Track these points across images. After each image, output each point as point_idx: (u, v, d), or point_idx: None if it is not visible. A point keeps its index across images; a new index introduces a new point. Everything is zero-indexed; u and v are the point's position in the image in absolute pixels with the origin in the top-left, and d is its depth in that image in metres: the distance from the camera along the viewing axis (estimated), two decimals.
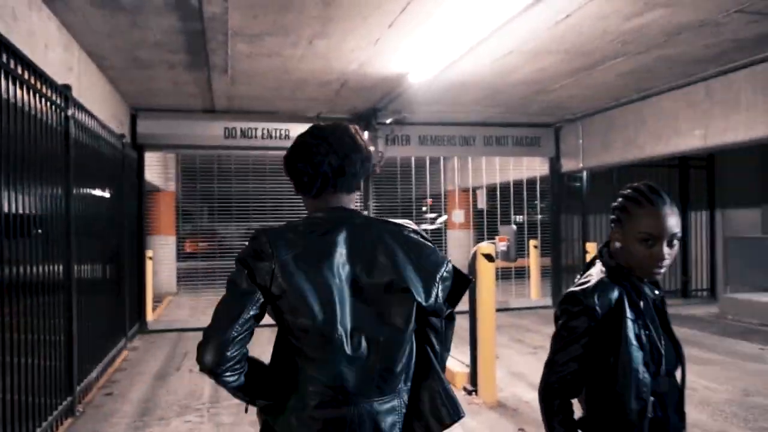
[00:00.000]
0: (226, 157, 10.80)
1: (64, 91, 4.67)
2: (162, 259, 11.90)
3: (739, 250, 9.83)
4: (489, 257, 4.84)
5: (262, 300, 1.46)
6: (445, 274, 1.59)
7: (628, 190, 1.72)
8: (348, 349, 1.47)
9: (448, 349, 1.75)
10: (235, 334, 1.42)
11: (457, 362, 5.57)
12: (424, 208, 14.23)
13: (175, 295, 12.07)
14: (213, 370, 1.41)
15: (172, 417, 4.73)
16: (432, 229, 13.55)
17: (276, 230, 1.52)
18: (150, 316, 8.71)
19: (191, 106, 8.23)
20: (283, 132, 8.73)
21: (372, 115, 8.67)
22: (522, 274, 11.35)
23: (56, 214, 4.45)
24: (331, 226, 1.54)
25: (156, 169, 10.99)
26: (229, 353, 1.40)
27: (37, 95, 3.99)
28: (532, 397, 5.03)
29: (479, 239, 12.92)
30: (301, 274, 1.46)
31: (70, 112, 4.73)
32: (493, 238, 5.74)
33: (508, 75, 6.82)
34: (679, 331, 1.99)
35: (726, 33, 5.41)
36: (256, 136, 8.62)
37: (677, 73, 6.85)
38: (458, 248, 14.03)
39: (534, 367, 6.09)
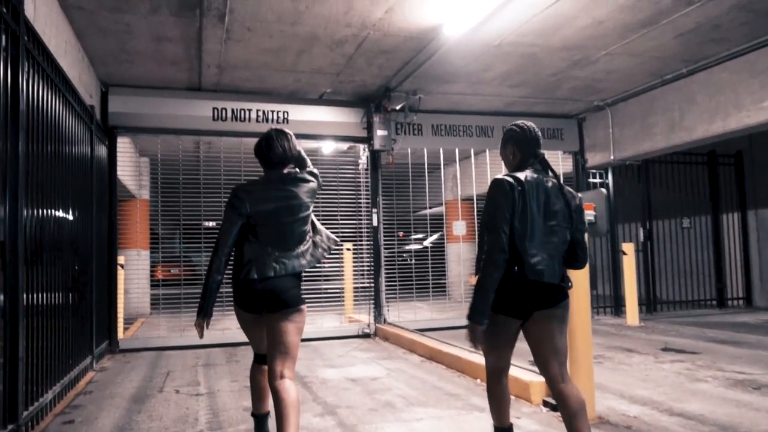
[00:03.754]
0: (213, 156, 9.50)
1: (17, 4, 3.44)
2: (134, 276, 10.44)
3: None
4: None
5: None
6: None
7: None
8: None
9: None
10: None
11: (528, 371, 4.36)
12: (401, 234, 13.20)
13: (150, 317, 10.58)
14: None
15: None
16: (424, 248, 12.42)
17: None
18: (121, 334, 7.28)
19: (174, 82, 6.99)
20: (281, 114, 7.53)
21: (383, 96, 7.56)
22: None
23: None
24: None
25: (129, 172, 9.63)
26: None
27: None
28: (638, 411, 3.83)
29: None
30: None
31: (21, 42, 3.49)
32: None
33: (553, 34, 5.79)
34: None
35: None
36: (249, 119, 7.40)
37: (746, 33, 5.93)
38: (460, 263, 12.87)
39: (608, 377, 4.90)
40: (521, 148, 2.71)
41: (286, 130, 3.18)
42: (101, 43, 5.67)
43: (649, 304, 9.58)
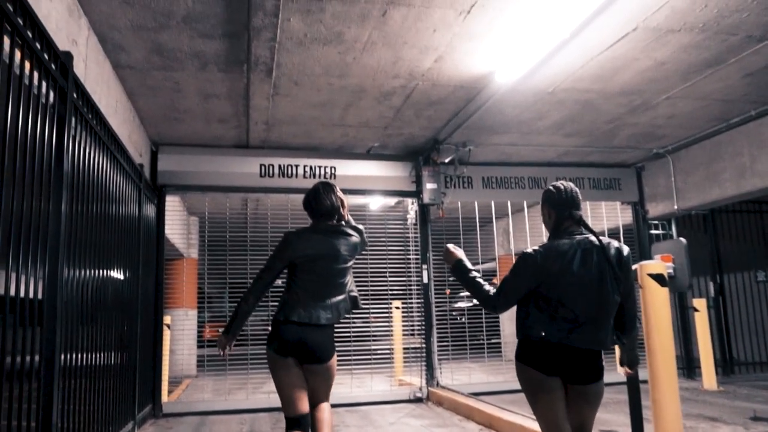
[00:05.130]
0: (260, 213, 9.46)
1: (66, 60, 3.42)
2: (181, 337, 10.33)
3: None
4: (660, 279, 3.29)
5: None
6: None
7: None
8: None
9: None
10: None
11: None
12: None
13: (195, 378, 10.38)
14: None
15: None
16: (473, 306, 11.93)
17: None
18: (165, 398, 7.06)
19: (222, 140, 7.00)
20: (328, 170, 7.42)
21: (432, 149, 7.37)
22: None
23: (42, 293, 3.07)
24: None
25: (178, 231, 9.67)
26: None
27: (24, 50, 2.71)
28: None
29: None
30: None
31: (69, 98, 3.45)
32: None
33: (610, 78, 5.53)
34: None
35: None
36: (296, 175, 7.31)
37: None
38: (514, 321, 12.26)
39: None
40: (556, 209, 2.75)
41: (332, 183, 3.39)
42: (151, 101, 5.71)
43: (725, 365, 8.79)
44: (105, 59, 4.65)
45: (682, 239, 4.47)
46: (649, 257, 8.51)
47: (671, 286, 3.57)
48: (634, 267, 3.42)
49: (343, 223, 3.34)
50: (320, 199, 3.26)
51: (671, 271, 3.51)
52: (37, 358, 3.10)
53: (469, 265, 2.84)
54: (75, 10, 3.83)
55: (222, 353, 3.27)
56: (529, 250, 2.64)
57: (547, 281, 2.54)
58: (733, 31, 4.68)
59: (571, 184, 2.79)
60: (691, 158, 7.87)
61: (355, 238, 3.32)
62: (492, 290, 2.69)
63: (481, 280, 2.76)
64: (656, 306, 3.36)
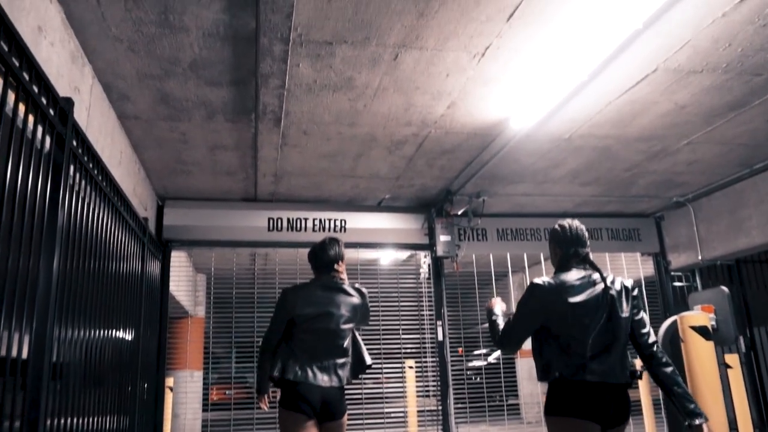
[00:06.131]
0: (268, 269, 9.19)
1: (65, 106, 3.26)
2: (185, 400, 9.89)
3: None
4: (704, 332, 2.98)
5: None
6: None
7: None
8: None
9: None
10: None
11: None
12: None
13: None
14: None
15: None
16: (488, 365, 11.46)
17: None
18: None
19: (229, 193, 6.84)
20: (338, 223, 7.21)
21: (444, 200, 7.17)
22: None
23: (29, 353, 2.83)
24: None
25: (184, 288, 9.40)
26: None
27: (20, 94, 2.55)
28: None
29: None
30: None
31: (67, 146, 3.28)
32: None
33: (629, 123, 5.35)
34: None
35: None
36: (305, 228, 7.09)
37: None
38: (533, 379, 11.76)
39: None
40: (562, 247, 2.81)
41: (338, 238, 3.54)
42: (157, 153, 5.58)
43: (763, 427, 8.22)
44: (110, 109, 4.53)
45: (724, 288, 4.16)
46: (674, 312, 8.12)
47: (716, 340, 3.25)
48: (673, 318, 3.14)
49: (342, 279, 3.41)
50: (325, 249, 3.41)
51: (714, 323, 3.20)
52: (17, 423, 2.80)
53: (497, 311, 2.97)
54: (79, 57, 3.73)
55: (264, 408, 3.45)
56: (538, 280, 2.69)
57: (555, 317, 2.59)
58: (757, 71, 4.52)
59: (577, 222, 2.85)
60: (714, 206, 7.60)
61: (356, 299, 3.37)
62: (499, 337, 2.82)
63: (500, 321, 2.89)
64: (701, 361, 3.04)
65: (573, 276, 2.65)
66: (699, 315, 2.95)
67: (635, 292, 2.73)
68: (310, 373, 3.07)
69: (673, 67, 4.41)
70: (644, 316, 2.73)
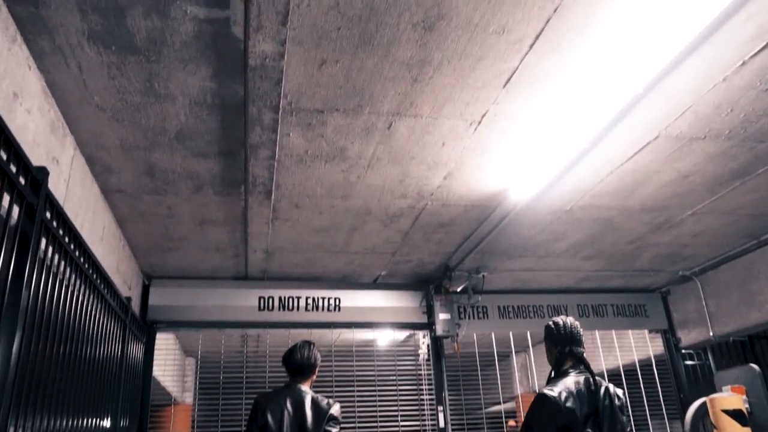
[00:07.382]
0: (259, 351, 8.73)
1: (38, 175, 3.06)
2: None
3: None
4: (739, 416, 2.66)
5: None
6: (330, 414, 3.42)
7: None
8: None
9: None
10: None
11: None
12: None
13: None
14: None
15: None
16: None
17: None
18: None
19: (219, 271, 6.56)
20: (332, 301, 6.89)
21: (443, 276, 6.89)
22: None
23: None
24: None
25: (171, 373, 8.90)
26: None
27: None
28: None
29: None
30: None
31: (38, 217, 3.05)
32: None
33: (631, 193, 5.19)
34: None
35: None
36: (298, 308, 6.77)
37: None
38: None
39: None
40: (556, 346, 2.81)
41: (313, 342, 3.77)
42: (143, 229, 5.35)
43: None
44: (93, 182, 4.35)
45: (754, 366, 3.82)
46: (688, 393, 7.67)
47: (753, 424, 2.91)
48: (702, 401, 2.85)
49: (315, 394, 3.53)
50: (294, 353, 3.63)
51: (747, 406, 2.87)
52: None
53: None
54: (59, 127, 3.58)
55: None
56: (547, 391, 2.64)
57: (566, 424, 2.55)
58: (761, 138, 4.40)
59: (572, 319, 2.85)
60: (722, 279, 7.33)
61: (326, 405, 3.46)
62: None
63: None
64: None
65: (572, 381, 2.66)
66: (732, 397, 2.64)
67: (622, 400, 2.80)
68: None
69: (675, 134, 4.29)
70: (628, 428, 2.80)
